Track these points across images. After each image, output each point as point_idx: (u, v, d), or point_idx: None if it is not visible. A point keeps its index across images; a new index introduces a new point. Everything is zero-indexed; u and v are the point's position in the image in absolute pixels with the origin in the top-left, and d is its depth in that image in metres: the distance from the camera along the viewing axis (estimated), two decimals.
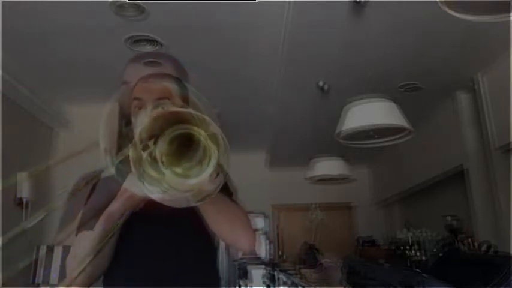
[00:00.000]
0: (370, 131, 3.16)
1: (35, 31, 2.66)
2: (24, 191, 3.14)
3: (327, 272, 3.21)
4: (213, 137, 0.77)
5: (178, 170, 0.79)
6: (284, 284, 3.03)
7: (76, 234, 1.03)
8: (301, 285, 2.72)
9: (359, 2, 2.21)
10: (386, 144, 3.44)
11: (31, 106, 3.34)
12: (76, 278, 0.89)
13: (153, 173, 0.77)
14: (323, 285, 2.95)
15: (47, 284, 3.17)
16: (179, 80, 1.15)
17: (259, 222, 5.64)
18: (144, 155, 0.76)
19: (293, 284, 2.82)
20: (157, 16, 2.50)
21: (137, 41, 2.78)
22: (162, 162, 0.78)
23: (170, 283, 1.06)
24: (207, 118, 0.75)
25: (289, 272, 3.46)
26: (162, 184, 0.77)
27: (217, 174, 0.78)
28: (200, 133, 0.78)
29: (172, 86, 1.10)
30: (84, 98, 3.73)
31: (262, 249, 5.57)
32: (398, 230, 4.93)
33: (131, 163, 0.74)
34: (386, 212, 6.14)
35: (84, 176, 1.08)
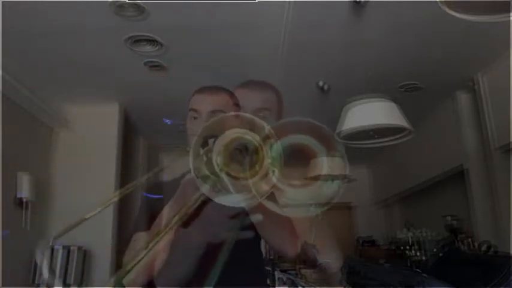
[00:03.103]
0: (370, 131, 3.15)
1: (35, 31, 2.65)
2: (24, 191, 3.14)
3: (327, 272, 3.20)
4: (268, 144, 0.79)
5: (232, 171, 0.81)
6: (284, 284, 3.02)
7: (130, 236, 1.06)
8: (301, 285, 2.71)
9: (359, 2, 2.22)
10: (387, 144, 3.43)
11: (31, 106, 3.34)
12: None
13: (207, 171, 0.79)
14: (323, 285, 2.95)
15: (47, 284, 3.17)
16: (231, 93, 1.20)
17: None
18: (201, 151, 0.79)
19: (293, 284, 2.81)
20: (157, 16, 2.50)
21: (137, 41, 2.78)
22: (217, 163, 0.80)
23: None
24: (265, 124, 0.77)
25: (289, 272, 3.45)
26: (216, 184, 0.79)
27: (273, 174, 0.80)
28: (255, 139, 0.80)
29: (226, 98, 1.16)
30: (84, 98, 3.73)
31: (262, 249, 5.57)
32: (398, 230, 4.94)
33: (190, 157, 0.77)
34: (386, 212, 6.14)
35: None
